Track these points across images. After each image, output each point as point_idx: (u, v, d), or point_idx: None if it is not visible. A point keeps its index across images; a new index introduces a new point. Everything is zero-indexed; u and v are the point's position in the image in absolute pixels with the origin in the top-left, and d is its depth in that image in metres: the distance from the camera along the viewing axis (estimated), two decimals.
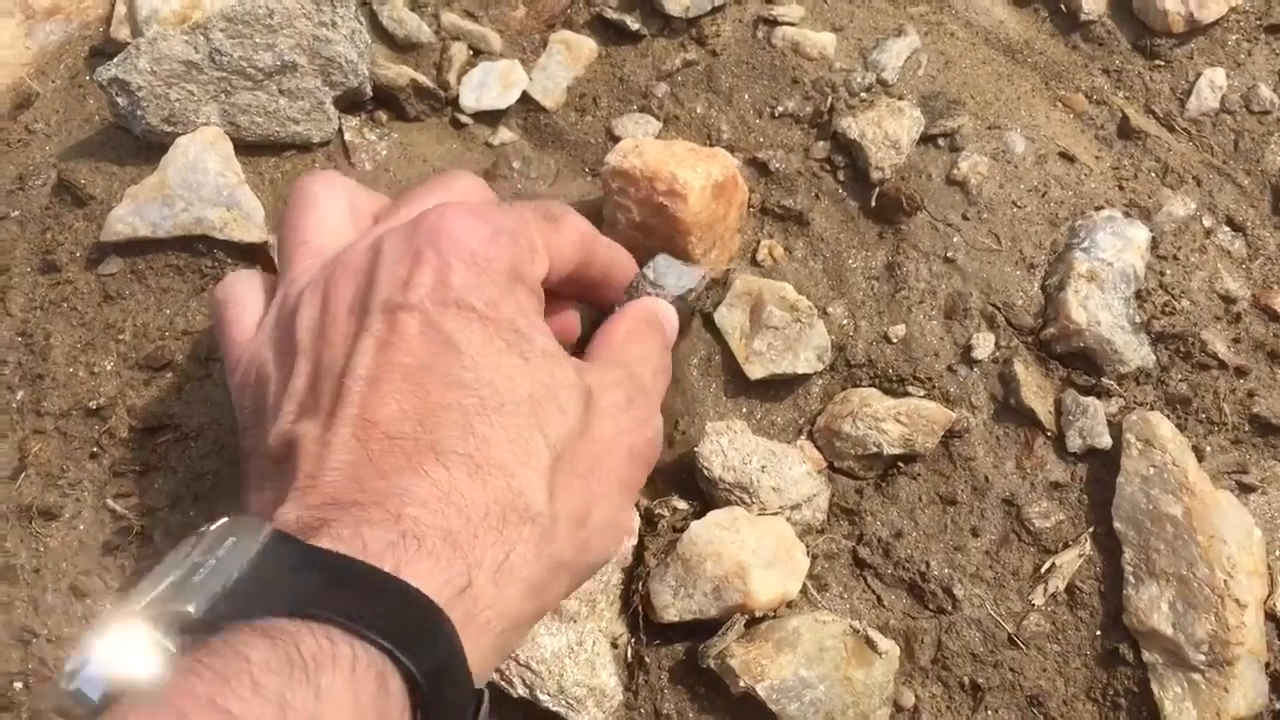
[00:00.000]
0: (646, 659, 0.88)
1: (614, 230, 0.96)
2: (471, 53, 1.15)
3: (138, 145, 1.05)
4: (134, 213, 0.99)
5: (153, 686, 0.43)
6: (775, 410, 0.99)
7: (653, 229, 0.95)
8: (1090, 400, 0.96)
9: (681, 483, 0.95)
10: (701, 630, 0.87)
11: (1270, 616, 0.90)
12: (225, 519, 0.52)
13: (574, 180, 1.10)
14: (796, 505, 0.92)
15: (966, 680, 0.90)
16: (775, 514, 0.91)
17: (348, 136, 1.08)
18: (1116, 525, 0.92)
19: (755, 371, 0.97)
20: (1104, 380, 0.97)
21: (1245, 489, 0.96)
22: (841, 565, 0.94)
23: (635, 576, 0.89)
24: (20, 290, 1.02)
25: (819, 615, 0.87)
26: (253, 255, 1.01)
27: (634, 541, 0.91)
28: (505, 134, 1.11)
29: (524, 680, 0.84)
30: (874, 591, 0.93)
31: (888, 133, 1.05)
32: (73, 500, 0.94)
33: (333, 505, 0.51)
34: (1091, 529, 0.93)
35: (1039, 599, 0.92)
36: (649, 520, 0.92)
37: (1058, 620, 0.92)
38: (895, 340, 1.00)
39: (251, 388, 0.68)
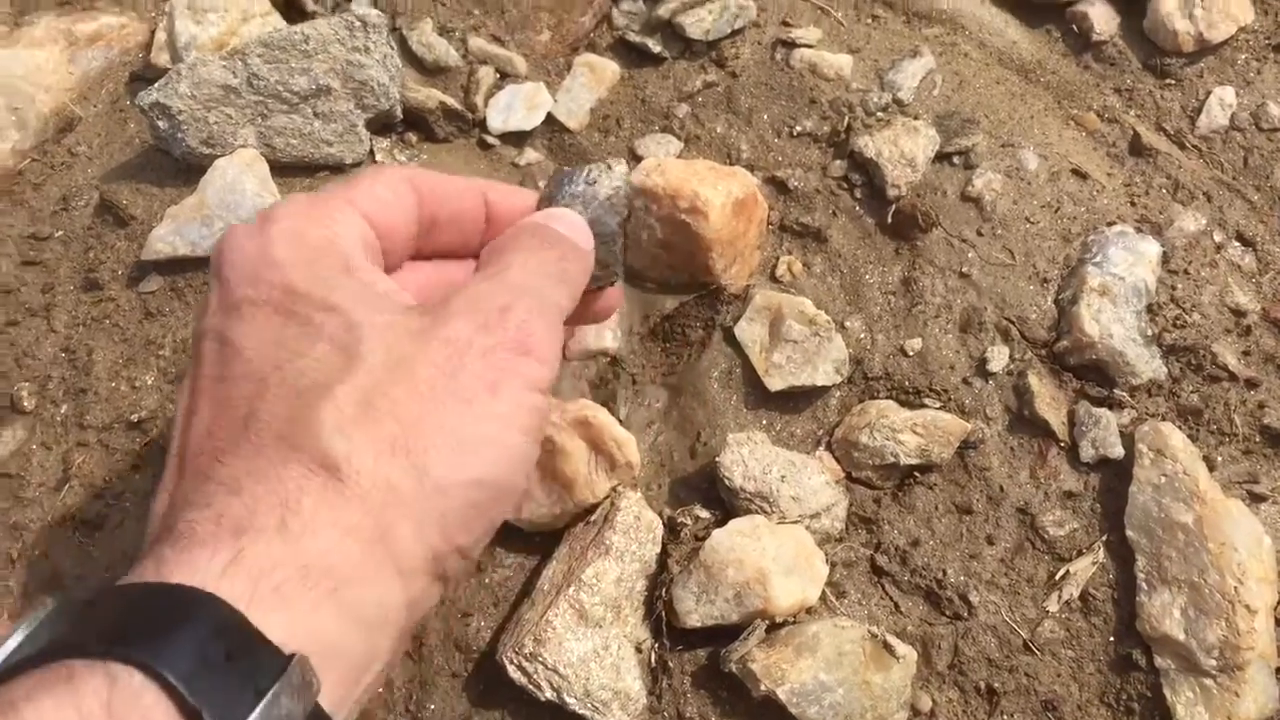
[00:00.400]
0: (670, 663, 0.90)
1: (637, 247, 0.99)
2: (498, 76, 1.18)
3: (177, 167, 1.09)
4: (174, 232, 1.03)
5: None
6: (794, 422, 1.01)
7: (675, 245, 0.98)
8: (1103, 411, 0.98)
9: (704, 492, 0.98)
10: (723, 635, 0.90)
11: None
12: None
13: None
14: (815, 514, 0.95)
15: (982, 685, 0.92)
16: (795, 522, 0.94)
17: (379, 157, 1.12)
18: (1129, 533, 0.94)
19: (775, 384, 1.00)
20: (1116, 392, 1.00)
21: (1256, 498, 0.97)
22: (860, 572, 0.96)
23: (659, 583, 0.91)
24: (64, 307, 1.05)
25: (838, 621, 0.90)
26: None
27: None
28: (531, 154, 1.15)
29: (551, 684, 0.86)
30: (891, 598, 0.95)
31: (904, 151, 1.08)
32: (116, 511, 0.97)
33: (156, 541, 0.51)
34: (1105, 537, 0.95)
35: (1053, 606, 0.94)
36: (672, 528, 0.94)
37: (1072, 626, 0.94)
38: (911, 353, 1.02)
39: None
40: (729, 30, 1.17)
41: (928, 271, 1.05)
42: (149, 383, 1.01)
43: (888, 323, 1.03)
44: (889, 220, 1.07)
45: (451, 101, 1.14)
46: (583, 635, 0.88)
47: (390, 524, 0.50)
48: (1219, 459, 0.98)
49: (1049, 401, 0.99)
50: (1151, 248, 1.05)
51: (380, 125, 1.13)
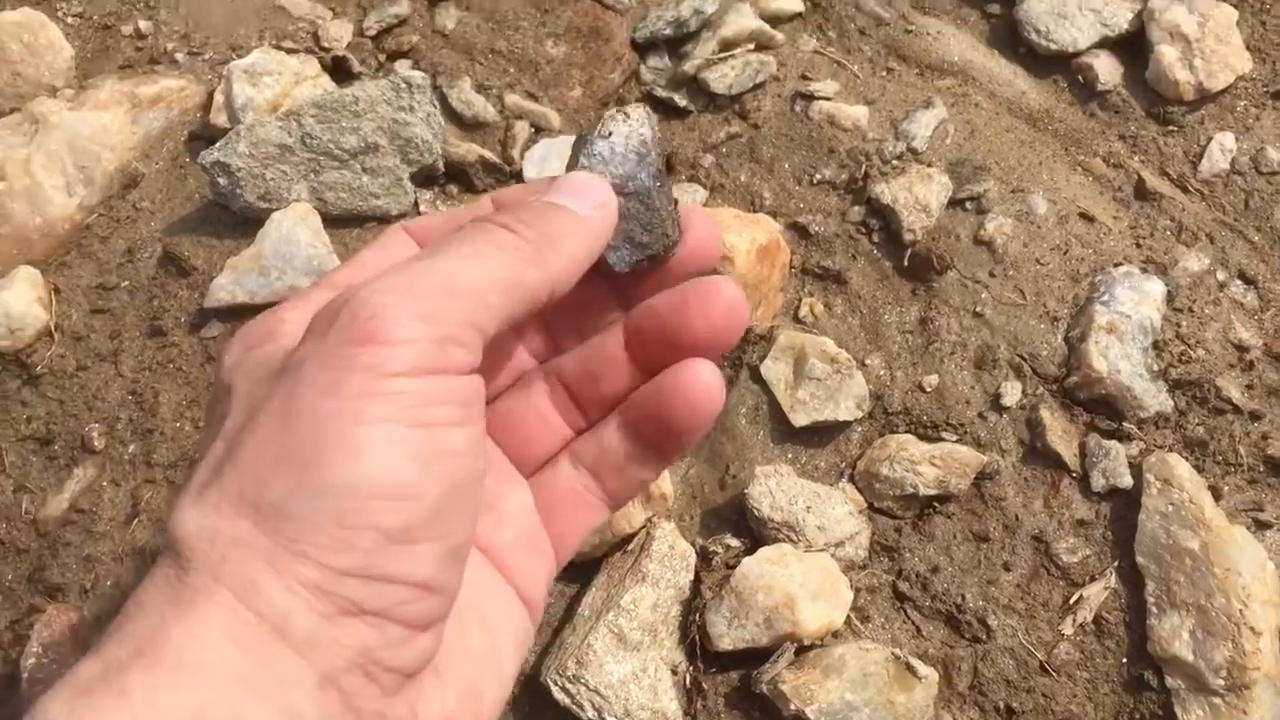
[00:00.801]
0: (704, 685, 0.96)
1: None
2: (533, 130, 1.25)
3: (235, 220, 1.17)
4: (234, 281, 1.10)
5: None
6: (818, 455, 1.07)
7: None
8: (1112, 443, 1.04)
9: (733, 522, 1.03)
10: (754, 658, 0.95)
11: None
12: None
13: None
14: (840, 542, 1.00)
15: (1001, 705, 0.97)
16: (821, 551, 0.99)
17: (423, 209, 1.19)
18: (1139, 559, 0.99)
19: (799, 419, 1.06)
20: (1125, 425, 1.05)
21: (1261, 525, 1.02)
22: (883, 598, 1.01)
23: (693, 608, 0.97)
24: (130, 353, 1.12)
25: (863, 644, 0.95)
26: None
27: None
28: None
29: (593, 704, 0.92)
30: (913, 622, 1.00)
31: (918, 197, 1.14)
32: None
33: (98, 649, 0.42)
34: (1116, 563, 1.00)
35: (1068, 629, 0.99)
36: (704, 557, 1.00)
37: (1086, 649, 0.98)
38: (929, 389, 1.08)
39: None
40: (751, 84, 1.24)
41: (943, 311, 1.10)
42: None
43: (906, 360, 1.09)
44: (905, 263, 1.13)
45: (490, 155, 1.21)
46: (622, 658, 0.94)
47: (240, 578, 0.40)
48: (1225, 488, 1.03)
49: (1060, 434, 1.04)
50: (1157, 287, 1.10)
51: (424, 178, 1.20)
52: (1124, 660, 0.98)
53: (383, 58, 1.30)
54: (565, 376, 0.54)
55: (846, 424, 1.07)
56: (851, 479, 1.05)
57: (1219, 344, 1.09)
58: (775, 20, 1.30)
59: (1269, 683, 0.93)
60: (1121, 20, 1.26)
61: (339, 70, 1.27)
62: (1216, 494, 1.02)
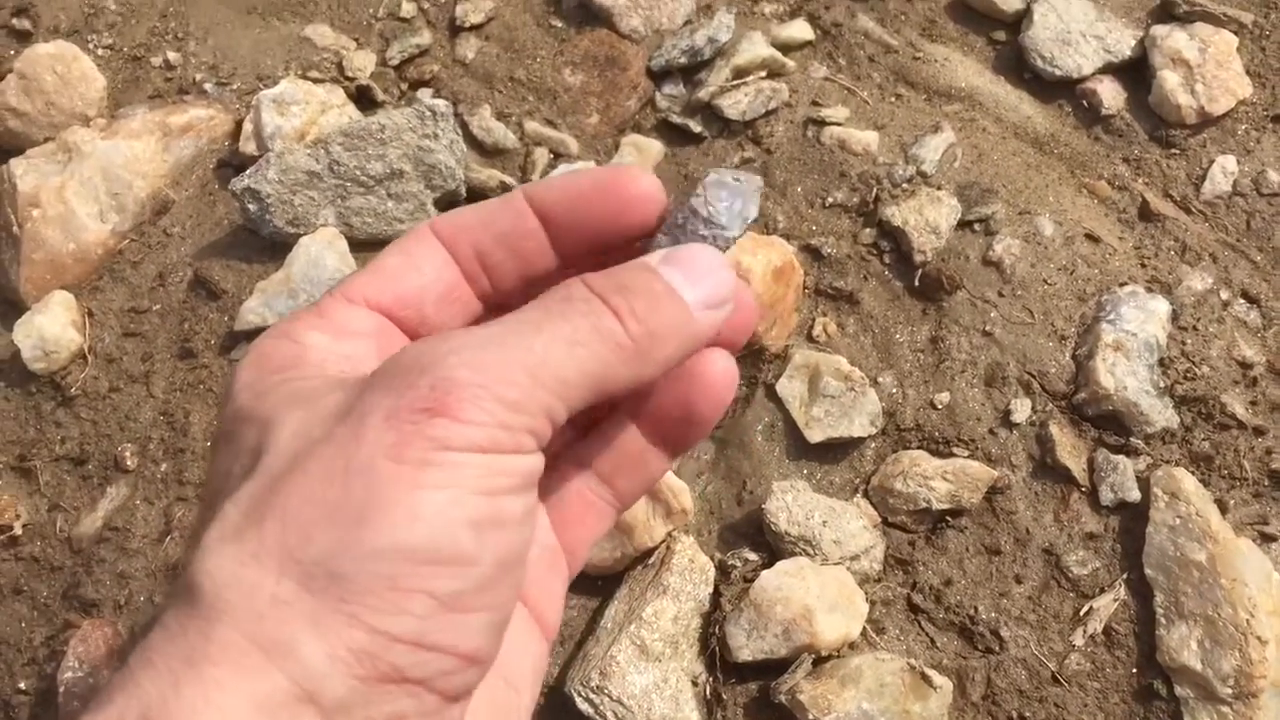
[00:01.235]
0: (724, 695, 0.98)
1: None
2: (552, 156, 1.29)
3: (263, 245, 1.20)
4: (263, 304, 1.13)
5: None
6: (833, 471, 1.10)
7: None
8: (1120, 458, 1.06)
9: (750, 537, 1.06)
10: (772, 669, 0.97)
11: None
12: None
13: None
14: (855, 556, 1.03)
15: (1014, 715, 1.00)
16: (837, 564, 1.02)
17: None
18: (1147, 571, 1.01)
19: (815, 436, 1.09)
20: (1132, 440, 1.07)
21: (1267, 538, 1.05)
22: (897, 610, 1.04)
23: (712, 621, 1.00)
24: (162, 375, 1.16)
25: (879, 654, 0.98)
26: None
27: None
28: None
29: (616, 715, 0.94)
30: (927, 634, 1.03)
31: (928, 219, 1.17)
32: None
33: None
34: (1125, 575, 1.03)
35: (1079, 640, 1.02)
36: (723, 570, 1.02)
37: (1097, 659, 1.01)
38: (940, 406, 1.11)
39: None
40: (764, 110, 1.28)
41: (953, 330, 1.13)
42: None
43: (918, 378, 1.12)
44: (916, 283, 1.16)
45: (510, 180, 1.25)
46: (644, 669, 0.96)
47: (275, 638, 0.39)
48: (1230, 502, 1.06)
49: (1069, 449, 1.07)
50: (1162, 306, 1.13)
51: (446, 203, 1.23)
52: (1134, 670, 1.00)
53: (405, 87, 1.34)
54: None
55: (860, 440, 1.10)
56: (866, 494, 1.08)
57: (1223, 361, 1.12)
58: (786, 48, 1.34)
59: (1276, 690, 0.96)
60: (1124, 47, 1.30)
61: (363, 99, 1.31)
62: (1222, 507, 1.05)
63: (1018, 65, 1.33)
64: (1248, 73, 1.28)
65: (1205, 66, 1.26)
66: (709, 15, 1.34)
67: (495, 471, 0.42)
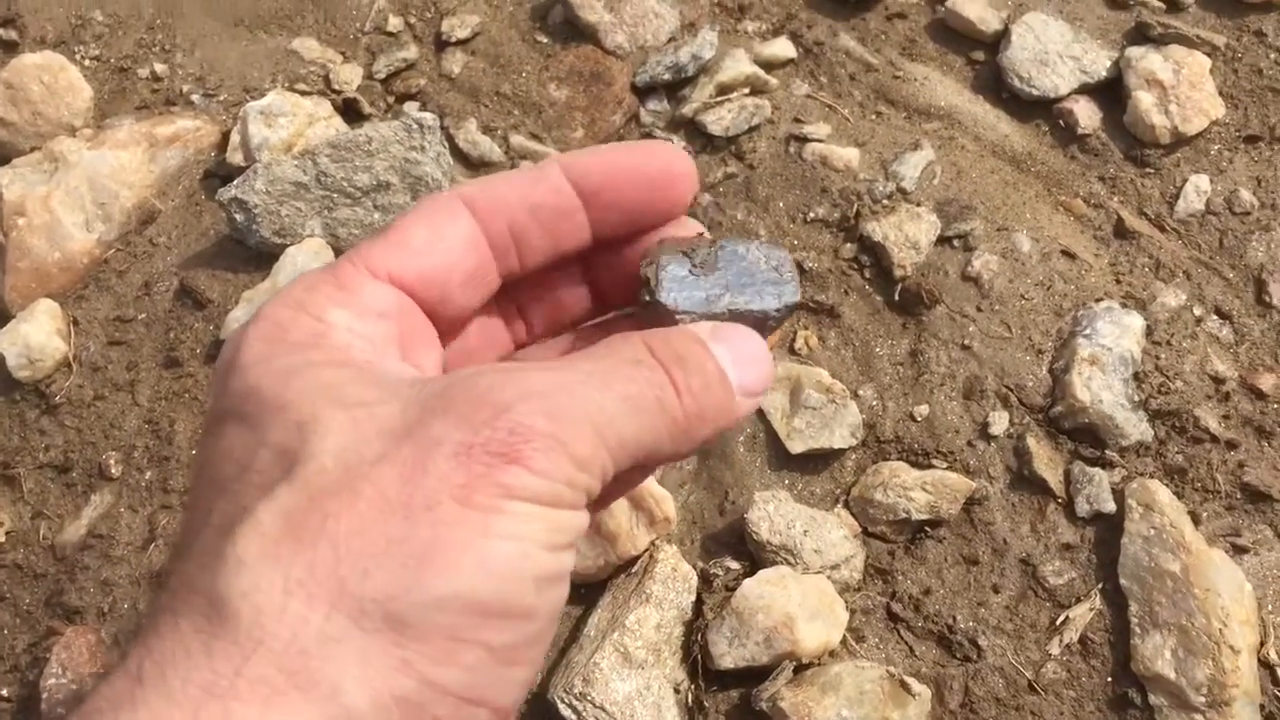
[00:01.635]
0: (706, 702, 0.99)
1: None
2: None
3: (249, 255, 1.21)
4: (249, 314, 1.13)
5: None
6: (814, 481, 1.11)
7: None
8: (1096, 470, 1.08)
9: (732, 546, 1.07)
10: (754, 677, 0.98)
11: (1264, 663, 1.00)
12: None
13: None
14: (836, 565, 1.04)
15: None
16: (817, 573, 1.03)
17: None
18: (1122, 581, 1.03)
19: (796, 447, 1.10)
20: (1107, 452, 1.09)
21: (1239, 550, 1.07)
22: (877, 619, 1.05)
23: (695, 629, 1.00)
24: (147, 383, 1.16)
25: (859, 662, 0.99)
26: None
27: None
28: None
29: None
30: (906, 642, 1.04)
31: (908, 235, 1.19)
32: None
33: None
34: (1100, 585, 1.04)
35: (1055, 649, 1.03)
36: (705, 579, 1.03)
37: (1072, 668, 1.02)
38: (920, 419, 1.12)
39: None
40: (747, 127, 1.29)
41: (933, 344, 1.15)
42: None
43: (897, 391, 1.14)
44: (896, 298, 1.17)
45: None
46: (627, 676, 0.97)
47: (317, 678, 0.36)
48: (1204, 514, 1.08)
49: (1046, 461, 1.09)
50: (1136, 321, 1.15)
51: None
52: (1109, 679, 1.02)
53: (391, 100, 1.35)
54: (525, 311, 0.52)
55: (841, 451, 1.11)
56: (846, 504, 1.09)
57: (1196, 376, 1.14)
58: (769, 66, 1.36)
59: (1247, 699, 0.97)
60: (1100, 68, 1.33)
61: (349, 112, 1.32)
62: (1196, 519, 1.06)
63: (996, 85, 1.36)
64: (1220, 94, 1.30)
65: (1179, 87, 1.28)
66: (693, 33, 1.36)
67: (557, 527, 0.41)
